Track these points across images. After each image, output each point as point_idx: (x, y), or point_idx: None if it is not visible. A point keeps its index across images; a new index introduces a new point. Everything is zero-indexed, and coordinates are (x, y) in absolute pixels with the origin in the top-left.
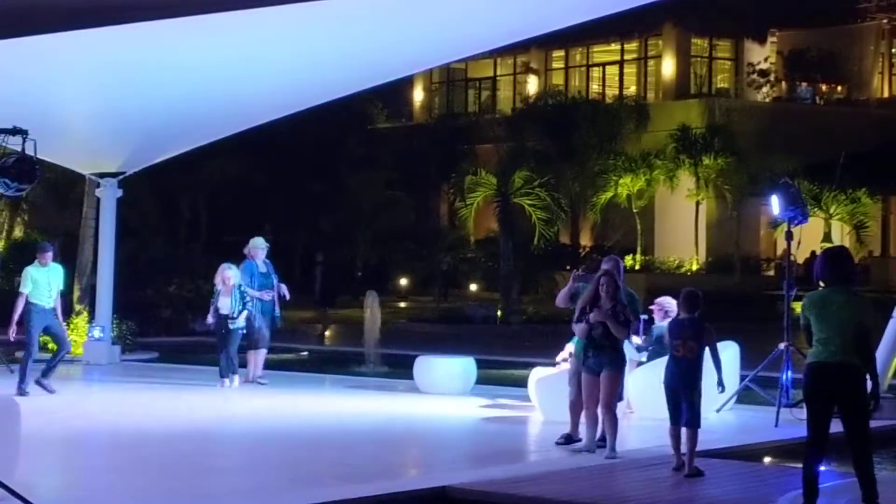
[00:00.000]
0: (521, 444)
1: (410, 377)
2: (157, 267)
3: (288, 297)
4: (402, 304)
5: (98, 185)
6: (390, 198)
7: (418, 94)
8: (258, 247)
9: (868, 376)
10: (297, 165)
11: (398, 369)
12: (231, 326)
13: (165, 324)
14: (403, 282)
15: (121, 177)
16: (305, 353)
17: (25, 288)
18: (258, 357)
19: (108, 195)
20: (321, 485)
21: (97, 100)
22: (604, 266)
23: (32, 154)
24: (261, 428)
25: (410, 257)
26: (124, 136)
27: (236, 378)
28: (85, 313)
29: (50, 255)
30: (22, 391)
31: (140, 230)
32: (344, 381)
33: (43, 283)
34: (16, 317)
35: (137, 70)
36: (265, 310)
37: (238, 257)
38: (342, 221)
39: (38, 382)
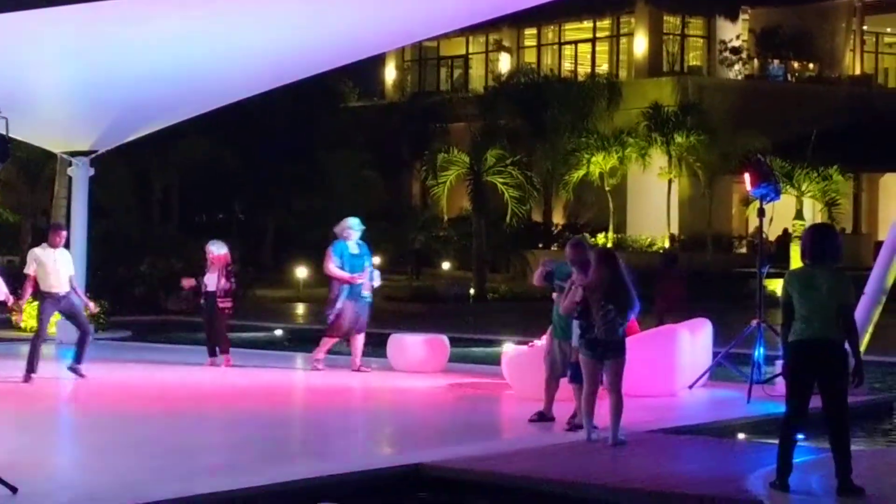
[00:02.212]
0: (494, 422)
1: (383, 355)
2: (129, 246)
3: (376, 283)
4: (375, 283)
5: (70, 164)
6: (363, 177)
7: (390, 73)
8: (351, 227)
9: (851, 353)
10: (268, 145)
11: (371, 347)
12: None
13: (138, 302)
14: (376, 260)
15: (93, 155)
16: (278, 331)
17: (29, 269)
18: (356, 344)
19: (80, 174)
20: (293, 463)
21: (69, 77)
22: (570, 250)
23: (4, 132)
24: (234, 406)
25: (383, 236)
26: (97, 114)
27: (227, 358)
28: None
29: (63, 235)
30: (27, 377)
31: (112, 209)
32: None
33: (49, 266)
34: (23, 302)
35: (110, 47)
36: (355, 294)
37: (212, 235)
38: (315, 201)
39: (71, 368)
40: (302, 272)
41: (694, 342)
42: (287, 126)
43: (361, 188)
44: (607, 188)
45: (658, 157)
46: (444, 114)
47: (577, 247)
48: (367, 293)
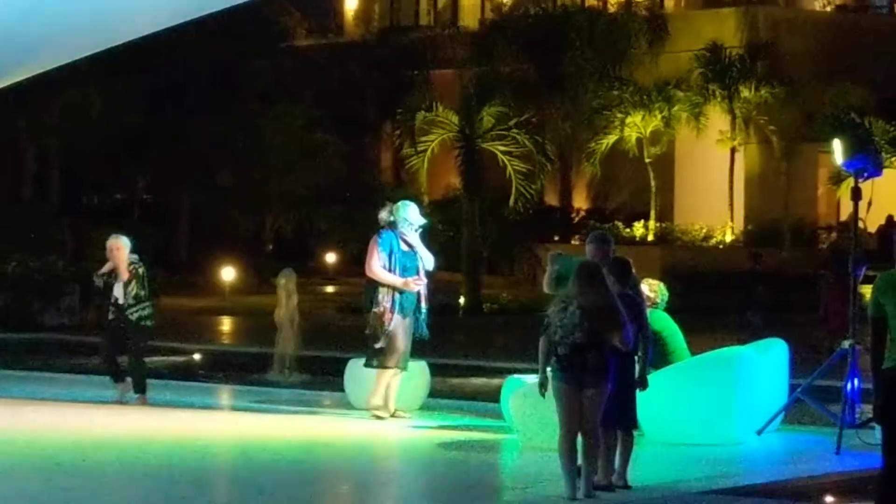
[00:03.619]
0: (490, 479)
1: (340, 388)
2: None
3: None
4: (330, 288)
5: None
6: (313, 142)
7: (351, 0)
8: (406, 216)
9: None
10: (184, 99)
11: (323, 377)
12: (138, 321)
13: (2, 315)
14: (331, 257)
15: None
16: (197, 355)
17: None
18: (393, 381)
19: None
20: None
21: None
22: (593, 249)
23: None
24: (136, 457)
25: (341, 224)
26: None
27: (142, 398)
28: None
29: None
30: None
31: None
32: (249, 392)
33: None
34: None
35: None
36: (407, 306)
37: (107, 221)
38: (247, 174)
39: None
40: (229, 273)
41: (764, 371)
42: (209, 73)
43: (311, 158)
44: (648, 160)
45: (717, 118)
46: (426, 57)
47: (601, 244)
48: (423, 308)
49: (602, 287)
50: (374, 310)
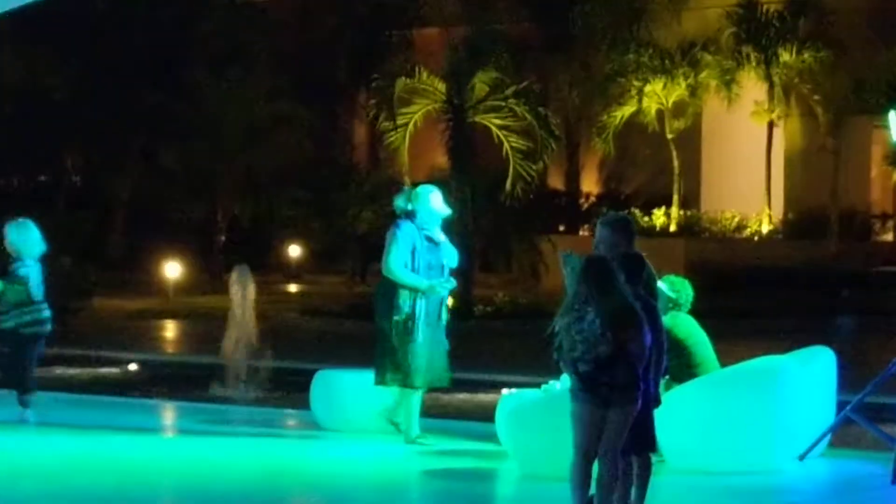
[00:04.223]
0: None
1: (306, 405)
2: None
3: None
4: (293, 288)
5: None
6: (273, 115)
7: None
8: (427, 205)
9: None
10: (120, 64)
11: (287, 392)
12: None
13: None
14: (294, 251)
15: None
16: (135, 366)
17: None
18: (415, 401)
19: None
20: None
21: None
22: (606, 233)
23: None
24: (60, 487)
25: (306, 211)
26: None
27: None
28: None
29: None
30: None
31: None
32: (198, 411)
33: None
34: None
35: None
36: (431, 311)
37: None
38: (195, 154)
39: None
40: (173, 270)
41: (808, 385)
42: (147, 33)
43: (271, 133)
44: (670, 136)
45: (752, 86)
46: (407, 14)
47: (616, 229)
48: (444, 315)
49: (617, 284)
50: (396, 318)
